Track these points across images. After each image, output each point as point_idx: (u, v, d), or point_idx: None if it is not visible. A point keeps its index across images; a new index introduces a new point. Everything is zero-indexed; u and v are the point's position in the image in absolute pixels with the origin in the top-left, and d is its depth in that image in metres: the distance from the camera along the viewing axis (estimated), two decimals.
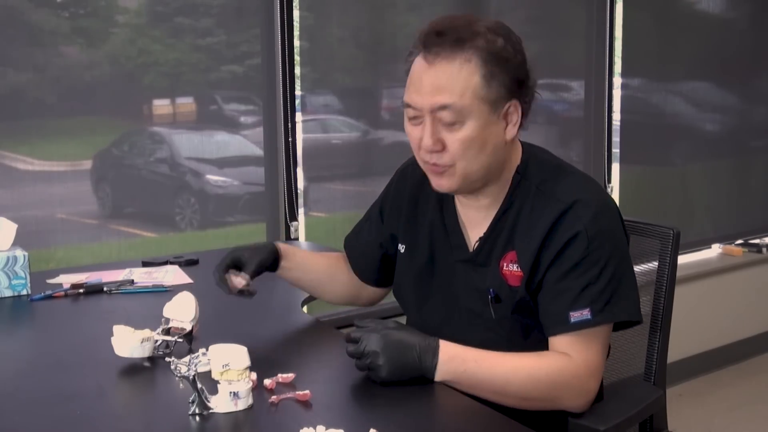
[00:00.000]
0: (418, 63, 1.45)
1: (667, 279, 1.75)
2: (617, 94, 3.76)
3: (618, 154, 3.80)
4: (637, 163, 3.93)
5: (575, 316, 1.42)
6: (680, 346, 3.07)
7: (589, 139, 3.73)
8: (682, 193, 4.11)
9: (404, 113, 1.49)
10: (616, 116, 3.77)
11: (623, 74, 3.77)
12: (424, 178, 1.58)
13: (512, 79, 1.44)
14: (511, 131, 1.48)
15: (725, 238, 4.23)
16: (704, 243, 4.16)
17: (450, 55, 1.41)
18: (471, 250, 1.55)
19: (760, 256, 4.16)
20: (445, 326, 1.42)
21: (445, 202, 1.60)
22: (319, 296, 1.84)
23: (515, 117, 1.47)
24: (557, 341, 1.45)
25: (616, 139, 3.78)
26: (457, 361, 1.37)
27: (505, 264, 1.50)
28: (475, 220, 1.56)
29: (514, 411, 1.38)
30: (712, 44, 4.10)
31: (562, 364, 1.42)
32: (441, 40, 1.42)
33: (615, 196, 3.79)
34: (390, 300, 1.76)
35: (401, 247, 1.66)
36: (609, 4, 3.65)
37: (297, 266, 1.72)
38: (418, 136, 1.46)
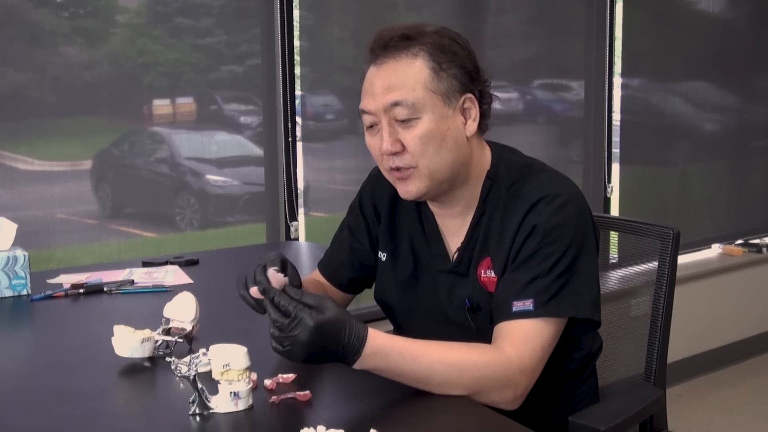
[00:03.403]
0: (369, 71, 1.47)
1: (667, 279, 1.75)
2: (617, 94, 3.76)
3: (618, 154, 3.80)
4: (637, 163, 3.93)
5: (517, 305, 1.40)
6: (680, 346, 3.08)
7: (589, 139, 3.73)
8: (682, 193, 4.11)
9: (363, 125, 1.49)
10: (616, 116, 3.77)
11: (623, 74, 3.77)
12: None
13: (463, 72, 1.45)
14: (471, 126, 1.47)
15: (725, 238, 4.23)
16: (704, 243, 4.16)
17: (396, 55, 1.43)
18: (452, 259, 1.54)
19: (760, 256, 4.17)
20: (432, 335, 1.40)
21: (423, 210, 1.59)
22: None
23: (473, 112, 1.47)
24: (497, 330, 1.42)
25: (616, 139, 3.78)
26: (379, 355, 1.29)
27: (482, 271, 1.49)
28: (453, 229, 1.55)
29: (515, 411, 1.37)
30: (712, 44, 4.11)
31: (491, 356, 1.36)
32: (387, 42, 1.44)
33: (615, 196, 3.79)
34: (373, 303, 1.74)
35: (382, 255, 1.65)
36: (609, 4, 3.65)
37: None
38: (378, 144, 1.46)
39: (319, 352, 1.26)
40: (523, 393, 1.38)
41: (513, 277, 1.43)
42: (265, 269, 1.38)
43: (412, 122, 1.42)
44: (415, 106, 1.41)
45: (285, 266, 1.43)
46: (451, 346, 1.36)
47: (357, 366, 1.30)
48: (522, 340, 1.39)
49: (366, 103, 1.45)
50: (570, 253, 1.42)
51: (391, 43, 1.43)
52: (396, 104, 1.42)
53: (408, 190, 1.47)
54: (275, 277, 1.36)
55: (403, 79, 1.42)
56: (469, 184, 1.51)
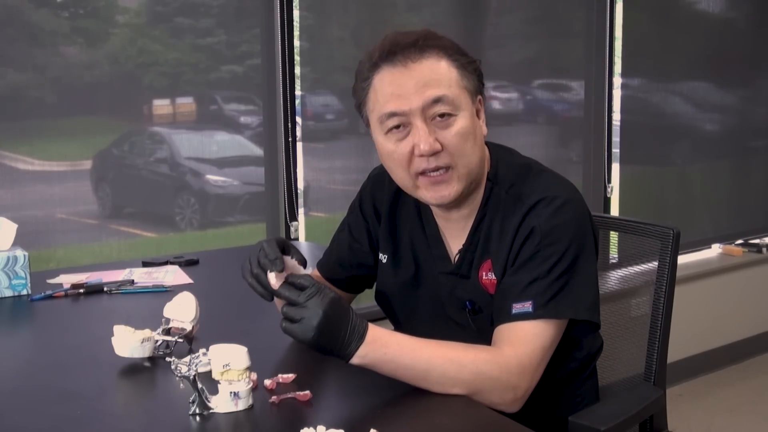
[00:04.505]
0: (388, 74, 1.41)
1: (667, 279, 1.75)
2: (617, 94, 3.76)
3: (618, 154, 3.80)
4: (637, 163, 3.94)
5: (517, 307, 1.39)
6: (680, 346, 3.08)
7: (589, 139, 3.73)
8: (682, 193, 4.11)
9: (379, 132, 1.44)
10: (616, 116, 3.77)
11: (623, 74, 3.77)
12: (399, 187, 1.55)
13: (477, 74, 1.46)
14: (484, 127, 1.49)
15: (725, 238, 4.23)
16: (704, 243, 4.16)
17: (420, 57, 1.41)
18: (453, 261, 1.54)
19: (760, 256, 4.17)
20: (433, 337, 1.39)
21: (424, 211, 1.58)
22: None
23: (482, 113, 1.49)
24: (497, 332, 1.42)
25: (616, 139, 3.78)
26: (378, 344, 1.30)
27: (483, 273, 1.49)
28: (454, 231, 1.54)
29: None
30: (712, 44, 4.11)
31: (490, 355, 1.36)
32: (403, 48, 1.41)
33: (615, 196, 3.79)
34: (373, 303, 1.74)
35: (383, 257, 1.64)
36: (609, 4, 3.65)
37: None
38: (407, 147, 1.41)
39: (330, 329, 1.27)
40: (523, 395, 1.38)
41: (512, 279, 1.43)
42: (265, 254, 1.37)
43: (450, 119, 1.41)
44: (455, 102, 1.40)
45: (283, 248, 1.42)
46: (449, 343, 1.37)
47: (357, 358, 1.30)
48: (521, 342, 1.38)
49: (395, 105, 1.40)
50: (569, 254, 1.42)
51: (417, 44, 1.41)
52: (438, 100, 1.39)
53: (444, 194, 1.44)
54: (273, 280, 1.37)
55: (438, 77, 1.40)
56: (478, 187, 1.51)
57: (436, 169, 1.42)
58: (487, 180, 1.51)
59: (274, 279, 1.34)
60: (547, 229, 1.42)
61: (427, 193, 1.45)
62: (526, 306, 1.39)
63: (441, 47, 1.43)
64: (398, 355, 1.32)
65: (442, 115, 1.40)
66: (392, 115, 1.41)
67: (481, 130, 1.48)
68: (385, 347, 1.31)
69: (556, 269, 1.41)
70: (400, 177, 1.47)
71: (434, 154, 1.40)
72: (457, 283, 1.53)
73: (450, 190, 1.44)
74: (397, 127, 1.42)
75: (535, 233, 1.42)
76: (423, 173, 1.43)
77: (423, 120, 1.40)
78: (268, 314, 1.67)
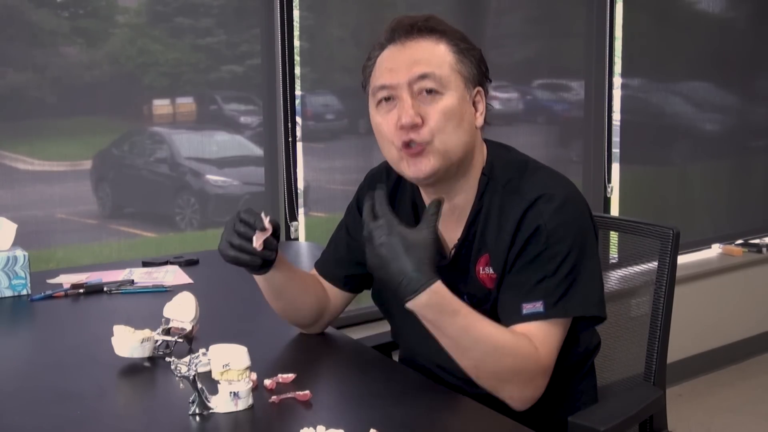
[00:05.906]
0: (387, 51, 1.47)
1: (667, 279, 1.75)
2: (617, 94, 3.76)
3: (618, 154, 3.80)
4: (637, 163, 3.94)
5: (527, 307, 1.40)
6: (680, 346, 3.08)
7: (589, 139, 3.73)
8: (682, 193, 4.11)
9: (372, 104, 1.49)
10: (616, 116, 3.77)
11: (623, 74, 3.77)
12: (397, 183, 1.58)
13: (478, 64, 1.48)
14: (479, 119, 1.50)
15: (725, 238, 4.23)
16: (704, 243, 4.16)
17: (420, 38, 1.46)
18: (449, 256, 1.54)
19: (760, 256, 4.17)
20: (429, 333, 1.40)
21: (420, 208, 1.59)
22: (289, 310, 1.66)
23: (481, 106, 1.50)
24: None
25: (616, 139, 3.78)
26: (434, 309, 1.33)
27: (480, 268, 1.50)
28: (449, 225, 1.54)
29: (514, 411, 1.38)
30: (712, 44, 4.11)
31: (529, 351, 1.38)
32: (411, 26, 1.46)
33: (615, 196, 3.79)
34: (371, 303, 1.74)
35: None
36: (609, 4, 3.65)
37: (289, 268, 1.63)
38: (393, 119, 1.44)
39: (384, 278, 1.34)
40: (540, 394, 1.40)
41: (519, 278, 1.43)
42: (245, 222, 1.42)
43: (436, 96, 1.43)
44: (442, 81, 1.43)
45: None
46: (498, 329, 1.38)
47: (410, 303, 1.33)
48: (542, 343, 1.40)
49: (387, 78, 1.45)
50: (574, 252, 1.42)
51: (416, 27, 1.45)
52: (424, 76, 1.42)
53: (420, 167, 1.45)
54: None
55: (429, 56, 1.44)
56: (469, 177, 1.51)
57: (413, 142, 1.43)
58: (482, 174, 1.51)
59: (256, 241, 1.39)
60: (552, 228, 1.42)
61: (408, 167, 1.46)
62: (537, 306, 1.40)
63: (441, 31, 1.46)
64: (447, 324, 1.34)
65: (429, 92, 1.43)
66: (383, 87, 1.46)
67: (473, 119, 1.48)
68: (440, 314, 1.34)
69: (563, 268, 1.41)
70: (387, 150, 1.49)
71: (414, 127, 1.42)
72: (453, 277, 1.53)
73: (425, 164, 1.44)
74: (387, 99, 1.46)
75: (541, 232, 1.42)
76: (404, 146, 1.45)
77: (409, 94, 1.43)
78: (268, 314, 1.67)
